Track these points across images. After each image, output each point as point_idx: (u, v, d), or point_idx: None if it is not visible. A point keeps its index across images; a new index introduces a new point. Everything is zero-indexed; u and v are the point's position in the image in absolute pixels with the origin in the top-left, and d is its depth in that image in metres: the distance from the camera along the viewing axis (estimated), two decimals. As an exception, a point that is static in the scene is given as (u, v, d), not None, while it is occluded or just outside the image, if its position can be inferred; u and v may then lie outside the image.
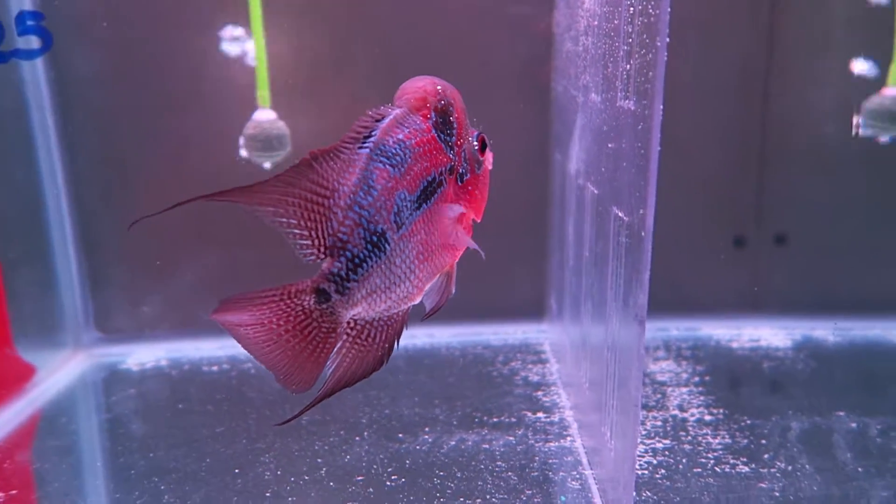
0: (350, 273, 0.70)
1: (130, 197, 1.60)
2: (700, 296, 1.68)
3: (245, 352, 0.79)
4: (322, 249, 0.70)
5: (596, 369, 1.04)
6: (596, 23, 1.03)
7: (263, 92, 1.48)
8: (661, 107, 0.73)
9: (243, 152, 1.49)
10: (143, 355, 1.59)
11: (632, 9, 0.82)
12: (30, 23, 0.70)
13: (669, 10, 0.70)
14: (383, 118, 0.70)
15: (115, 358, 1.58)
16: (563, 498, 1.01)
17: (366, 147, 0.69)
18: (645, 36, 0.76)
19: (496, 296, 1.72)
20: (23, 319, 1.46)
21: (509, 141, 1.69)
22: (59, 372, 1.50)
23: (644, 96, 0.77)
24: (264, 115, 1.48)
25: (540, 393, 1.34)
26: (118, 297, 1.65)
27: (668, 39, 0.71)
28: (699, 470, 1.06)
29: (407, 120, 0.71)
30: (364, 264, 0.70)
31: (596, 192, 1.04)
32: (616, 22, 0.89)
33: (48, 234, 1.53)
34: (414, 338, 1.65)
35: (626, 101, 0.85)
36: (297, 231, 0.70)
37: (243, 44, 1.52)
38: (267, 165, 1.51)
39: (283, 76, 1.55)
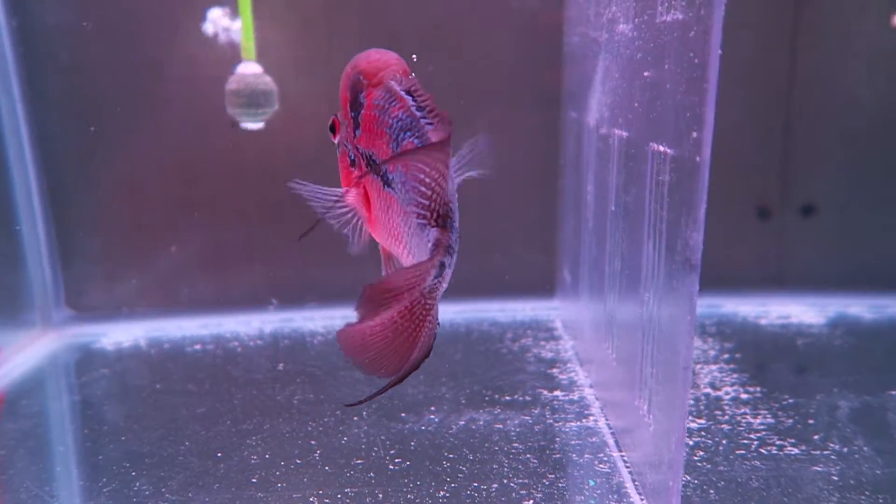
0: (455, 245, 0.66)
1: (105, 158, 1.47)
2: (722, 271, 1.55)
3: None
4: (435, 217, 0.66)
5: (627, 340, 0.92)
6: (626, -57, 0.91)
7: (248, 43, 1.34)
8: (723, 8, 0.60)
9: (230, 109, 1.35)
10: (120, 334, 1.46)
11: None
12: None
13: None
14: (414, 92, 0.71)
15: (89, 338, 1.45)
16: (591, 482, 0.89)
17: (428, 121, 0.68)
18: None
19: (503, 272, 1.60)
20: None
21: (513, 107, 1.58)
22: (24, 351, 1.37)
23: (693, 2, 0.64)
24: (249, 69, 1.34)
25: (555, 370, 1.21)
26: (92, 272, 1.52)
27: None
28: (742, 452, 0.93)
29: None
30: (457, 237, 0.67)
31: (625, 135, 0.91)
32: (656, -73, 0.77)
33: (11, 200, 1.40)
34: (414, 316, 1.53)
35: (671, 14, 0.72)
36: (428, 194, 0.66)
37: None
38: (252, 127, 1.37)
39: (271, 29, 1.42)
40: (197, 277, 1.55)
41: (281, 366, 1.27)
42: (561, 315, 1.48)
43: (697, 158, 0.64)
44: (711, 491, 0.85)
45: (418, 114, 0.68)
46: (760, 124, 1.55)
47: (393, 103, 0.69)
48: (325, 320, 1.51)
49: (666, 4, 0.74)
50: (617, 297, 0.98)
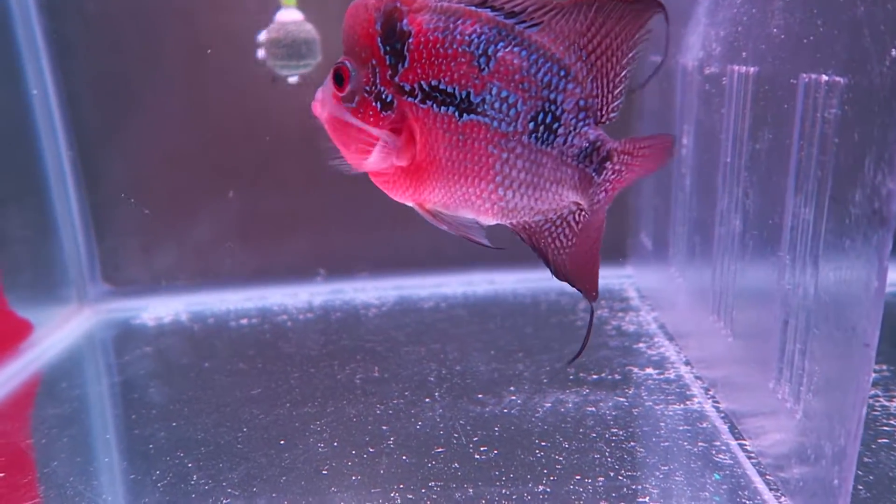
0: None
1: (139, 123, 1.35)
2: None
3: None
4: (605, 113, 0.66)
5: (755, 311, 0.79)
6: None
7: (291, -12, 1.21)
8: None
9: (261, 53, 1.22)
10: (160, 309, 1.36)
11: None
12: None
13: None
14: None
15: (127, 313, 1.35)
16: (716, 475, 0.77)
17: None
18: None
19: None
20: (16, 269, 1.22)
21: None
22: (61, 329, 1.27)
23: None
24: (289, 16, 1.21)
25: (642, 345, 1.09)
26: (128, 244, 1.41)
27: None
28: (886, 440, 0.81)
29: None
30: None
31: (754, 70, 0.77)
32: None
33: (41, 167, 1.29)
34: (472, 284, 1.41)
35: None
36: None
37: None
38: (292, 80, 1.25)
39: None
40: (238, 248, 1.44)
41: (336, 342, 1.17)
42: (637, 283, 1.35)
43: (898, 83, 0.51)
44: (860, 487, 0.73)
45: (510, 21, 0.64)
46: None
47: (462, 21, 0.64)
48: (377, 291, 1.40)
49: None
50: (735, 262, 0.85)
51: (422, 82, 0.64)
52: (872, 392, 0.91)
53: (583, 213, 0.67)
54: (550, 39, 0.64)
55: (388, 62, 0.64)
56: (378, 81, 0.65)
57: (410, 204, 0.70)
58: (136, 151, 1.37)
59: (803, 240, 0.66)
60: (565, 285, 1.36)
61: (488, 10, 0.64)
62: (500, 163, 0.65)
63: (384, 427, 0.89)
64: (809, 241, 0.65)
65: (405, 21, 0.64)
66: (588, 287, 0.70)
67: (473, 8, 0.64)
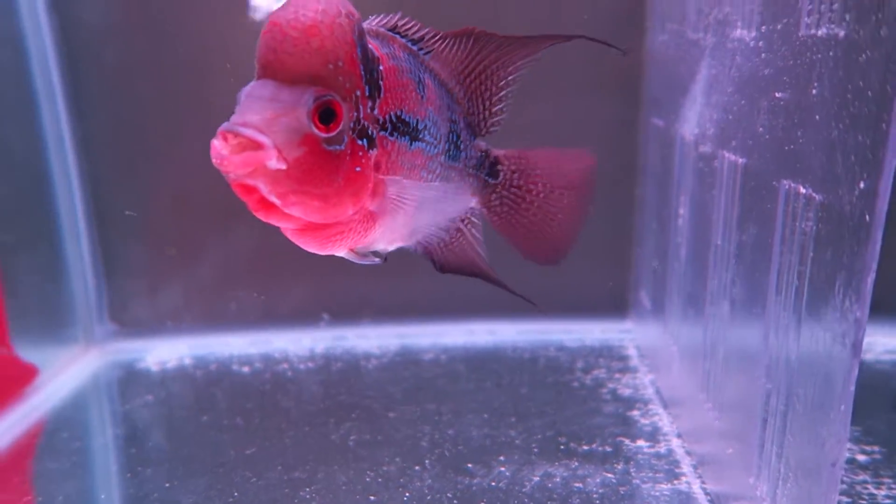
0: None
1: (149, 166, 1.38)
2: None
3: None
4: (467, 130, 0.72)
5: (734, 386, 0.79)
6: (746, -67, 0.77)
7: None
8: (918, 23, 0.47)
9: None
10: (165, 352, 1.38)
11: None
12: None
13: None
14: None
15: (133, 355, 1.37)
16: (695, 568, 0.77)
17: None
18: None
19: (567, 287, 1.47)
20: (24, 311, 1.25)
21: (584, 104, 1.44)
22: (67, 371, 1.30)
23: (867, 17, 0.50)
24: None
25: (636, 412, 1.09)
26: (136, 284, 1.44)
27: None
28: (872, 531, 0.80)
29: None
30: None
31: (742, 161, 0.78)
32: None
33: (55, 212, 1.33)
34: (473, 334, 1.42)
35: (823, 29, 0.59)
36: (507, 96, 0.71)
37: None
38: None
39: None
40: (244, 290, 1.46)
41: (334, 396, 1.18)
42: (636, 341, 1.35)
43: (867, 216, 0.51)
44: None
45: (415, 47, 0.65)
46: None
47: (395, 47, 0.63)
48: (380, 339, 1.41)
49: (815, 15, 0.60)
50: (723, 346, 0.85)
51: (391, 113, 0.60)
52: (860, 477, 0.90)
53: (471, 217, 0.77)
54: (439, 65, 0.68)
55: (367, 93, 0.57)
56: (361, 116, 0.57)
57: (340, 252, 0.64)
58: (145, 195, 1.40)
59: (783, 345, 0.67)
60: (563, 338, 1.38)
61: (398, 35, 0.66)
62: (440, 186, 0.67)
63: (371, 497, 0.90)
64: (788, 348, 0.65)
65: (370, 48, 0.58)
66: (476, 273, 0.79)
67: (390, 33, 0.65)
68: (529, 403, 1.13)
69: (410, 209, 0.62)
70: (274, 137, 0.52)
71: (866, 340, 1.31)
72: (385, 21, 0.65)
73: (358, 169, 0.56)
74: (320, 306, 1.47)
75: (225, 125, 0.52)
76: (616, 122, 1.35)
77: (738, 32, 0.79)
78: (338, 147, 0.55)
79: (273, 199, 0.54)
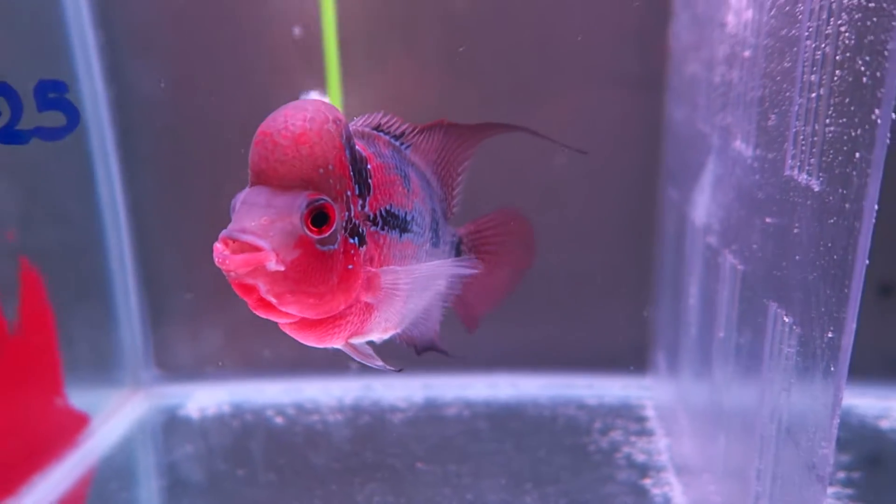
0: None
1: (193, 225, 1.48)
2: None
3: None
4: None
5: (734, 493, 0.84)
6: (748, 54, 0.81)
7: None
8: (875, 204, 0.52)
9: None
10: (205, 397, 1.47)
11: (821, 52, 0.60)
12: (51, 95, 0.55)
13: (898, 68, 0.49)
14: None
15: (175, 400, 1.47)
16: None
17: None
18: (848, 100, 0.54)
19: (589, 341, 1.52)
20: (77, 359, 1.35)
21: (608, 165, 1.49)
22: (116, 415, 1.40)
23: (842, 182, 0.55)
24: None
25: (648, 481, 1.14)
26: (179, 333, 1.54)
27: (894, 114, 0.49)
28: None
29: None
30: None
31: (741, 267, 0.83)
32: (788, 64, 0.68)
33: (107, 267, 1.43)
34: (496, 388, 1.48)
35: (803, 176, 0.63)
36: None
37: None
38: None
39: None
40: (278, 339, 1.54)
41: (360, 454, 1.25)
42: (655, 399, 1.39)
43: (832, 367, 0.56)
44: None
45: (397, 143, 0.70)
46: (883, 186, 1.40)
47: (379, 145, 0.68)
48: (405, 389, 1.48)
49: (797, 160, 0.65)
50: (724, 438, 0.89)
51: (381, 209, 0.63)
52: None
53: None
54: (419, 157, 0.74)
55: (357, 192, 0.61)
56: (352, 215, 0.60)
57: (337, 345, 0.67)
58: (189, 250, 1.50)
59: (770, 450, 0.71)
60: (584, 394, 1.42)
61: (382, 133, 0.70)
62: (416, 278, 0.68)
63: (391, 563, 0.97)
64: (772, 452, 0.70)
65: (357, 148, 0.62)
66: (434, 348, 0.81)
67: (375, 132, 0.69)
68: (546, 468, 1.18)
69: (404, 295, 0.66)
70: (271, 242, 0.55)
71: (885, 404, 1.34)
72: (370, 121, 0.70)
73: (350, 267, 0.59)
74: (348, 356, 1.54)
75: (225, 232, 0.55)
76: (638, 187, 1.40)
77: (738, 144, 0.84)
78: (331, 247, 0.58)
79: (270, 298, 0.57)
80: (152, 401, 1.47)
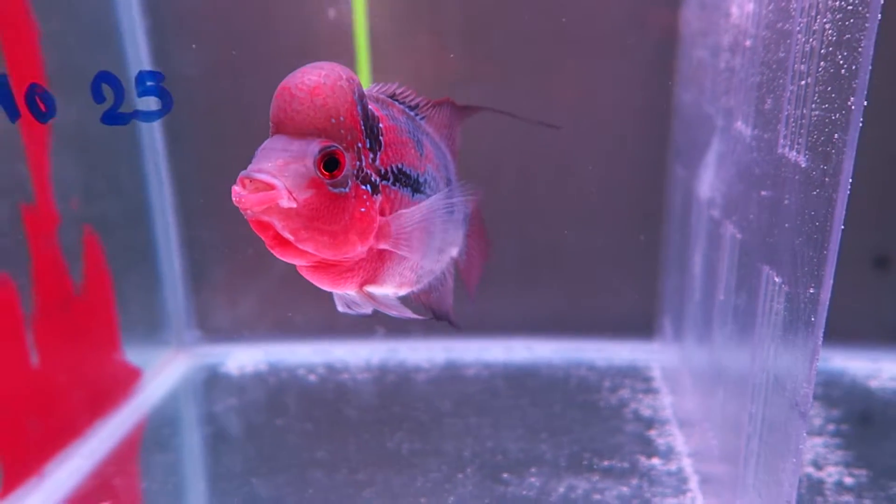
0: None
1: (230, 198, 1.58)
2: (832, 322, 1.52)
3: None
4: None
5: (729, 438, 0.94)
6: (749, 43, 0.90)
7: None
8: (850, 178, 0.61)
9: None
10: (242, 357, 1.59)
11: (809, 46, 0.69)
12: (149, 83, 0.65)
13: (870, 62, 0.58)
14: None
15: (215, 359, 1.59)
16: (687, 574, 0.93)
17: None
18: (829, 88, 0.64)
19: (600, 308, 1.63)
20: (130, 321, 1.47)
21: (619, 141, 1.58)
22: (162, 373, 1.52)
23: (824, 159, 0.65)
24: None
25: (653, 432, 1.24)
26: (218, 297, 1.66)
27: (865, 102, 0.59)
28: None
29: None
30: None
31: (739, 236, 0.92)
32: (782, 54, 0.77)
33: (154, 237, 1.54)
34: (512, 351, 1.59)
35: (793, 153, 0.73)
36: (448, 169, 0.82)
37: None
38: None
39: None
40: (309, 304, 1.65)
41: (389, 407, 1.36)
42: (661, 361, 1.50)
43: (812, 317, 0.66)
44: None
45: (411, 112, 0.75)
46: (879, 160, 1.48)
47: (394, 110, 0.72)
48: (428, 352, 1.59)
49: (788, 139, 0.74)
50: (722, 392, 0.99)
51: (392, 165, 0.68)
52: (844, 498, 1.04)
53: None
54: (433, 128, 0.79)
55: (368, 146, 0.66)
56: (364, 165, 0.65)
57: (351, 290, 0.71)
58: (228, 221, 1.60)
59: (760, 399, 0.81)
60: (594, 357, 1.53)
61: (397, 102, 0.75)
62: (429, 235, 0.72)
63: (423, 499, 1.08)
64: (763, 402, 0.80)
65: (370, 108, 0.67)
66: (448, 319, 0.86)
67: (389, 99, 0.74)
68: (560, 421, 1.29)
69: (415, 240, 0.69)
70: (284, 181, 0.59)
71: (875, 366, 1.44)
72: (384, 88, 0.75)
73: (363, 210, 0.64)
74: (375, 320, 1.65)
75: (243, 172, 0.61)
76: (647, 163, 1.49)
77: (739, 125, 0.93)
78: (342, 189, 0.62)
79: (286, 234, 0.61)
80: (195, 359, 1.59)
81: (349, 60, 1.46)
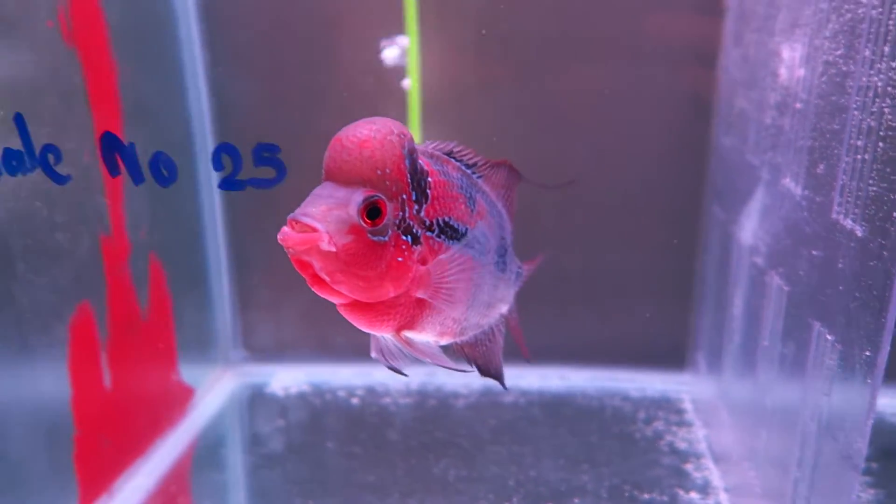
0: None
1: (277, 227, 1.64)
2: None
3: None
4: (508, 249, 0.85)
5: (773, 478, 0.99)
6: (799, 106, 0.96)
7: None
8: (908, 254, 0.66)
9: None
10: (285, 377, 1.64)
11: (867, 124, 0.75)
12: (265, 154, 0.71)
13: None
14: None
15: (260, 378, 1.64)
16: None
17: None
18: (889, 170, 0.69)
19: (631, 338, 1.67)
20: (185, 341, 1.53)
21: (656, 176, 1.63)
22: (212, 392, 1.58)
23: (882, 234, 0.70)
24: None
25: (689, 466, 1.29)
26: (263, 318, 1.72)
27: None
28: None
29: None
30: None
31: (787, 288, 0.97)
32: (836, 126, 0.82)
33: (207, 261, 1.60)
34: (546, 379, 1.64)
35: (848, 221, 0.78)
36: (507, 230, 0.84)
37: (400, 57, 1.50)
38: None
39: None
40: (349, 327, 1.71)
41: (431, 432, 1.42)
42: (691, 393, 1.55)
43: (868, 380, 0.71)
44: None
45: (468, 170, 0.78)
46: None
47: (448, 167, 0.75)
48: (464, 378, 1.64)
49: (843, 206, 0.80)
50: (765, 433, 1.04)
51: (439, 218, 0.71)
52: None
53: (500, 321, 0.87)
54: (490, 187, 0.82)
55: (413, 198, 0.68)
56: (407, 216, 0.68)
57: (388, 334, 0.73)
58: (273, 249, 1.66)
59: (809, 452, 0.86)
60: (628, 388, 1.58)
61: (453, 159, 0.78)
62: (475, 288, 0.76)
63: (471, 527, 1.13)
64: (811, 456, 0.85)
65: (419, 161, 0.70)
66: (498, 376, 0.88)
67: (445, 156, 0.77)
68: (598, 451, 1.34)
69: (453, 292, 0.72)
70: (326, 225, 0.63)
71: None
72: (442, 146, 0.78)
73: (400, 259, 0.67)
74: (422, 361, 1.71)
75: (291, 214, 0.65)
76: (682, 202, 1.55)
77: (787, 182, 0.98)
78: (382, 238, 0.65)
79: (323, 275, 0.64)
80: (241, 378, 1.65)
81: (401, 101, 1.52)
